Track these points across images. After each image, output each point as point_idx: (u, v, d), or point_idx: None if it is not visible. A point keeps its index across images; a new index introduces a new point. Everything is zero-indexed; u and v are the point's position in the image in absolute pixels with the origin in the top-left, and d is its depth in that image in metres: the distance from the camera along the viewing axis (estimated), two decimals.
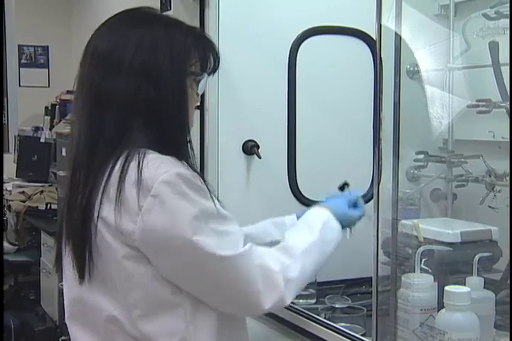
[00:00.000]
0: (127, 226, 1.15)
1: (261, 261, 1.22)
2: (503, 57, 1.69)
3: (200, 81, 1.31)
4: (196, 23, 1.98)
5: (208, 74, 1.33)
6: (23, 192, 4.36)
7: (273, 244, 1.37)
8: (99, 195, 1.17)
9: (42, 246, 3.96)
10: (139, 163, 1.16)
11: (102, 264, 1.20)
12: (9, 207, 4.18)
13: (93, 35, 1.29)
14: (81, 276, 1.22)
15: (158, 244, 1.16)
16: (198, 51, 1.29)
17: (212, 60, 1.32)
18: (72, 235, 1.22)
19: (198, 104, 1.38)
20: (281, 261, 1.26)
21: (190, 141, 1.28)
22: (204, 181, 1.22)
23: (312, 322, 1.54)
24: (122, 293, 1.20)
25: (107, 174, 1.17)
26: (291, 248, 1.31)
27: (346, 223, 1.47)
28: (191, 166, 1.23)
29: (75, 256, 1.22)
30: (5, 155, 4.22)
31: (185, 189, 1.16)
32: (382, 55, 1.37)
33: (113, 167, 1.18)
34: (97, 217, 1.17)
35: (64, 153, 3.64)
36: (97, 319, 1.23)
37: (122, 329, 1.21)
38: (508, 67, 1.59)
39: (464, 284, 1.36)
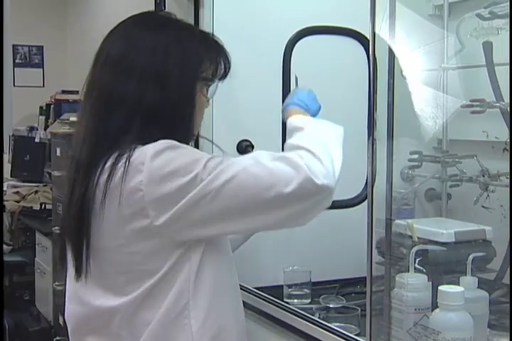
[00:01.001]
0: (132, 210, 1.17)
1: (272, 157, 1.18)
2: (497, 57, 1.70)
3: (210, 86, 1.33)
4: (191, 23, 1.98)
5: (219, 80, 1.35)
6: (17, 192, 4.35)
7: None
8: (93, 189, 1.19)
9: (36, 247, 3.95)
10: (129, 152, 1.18)
11: (104, 259, 1.22)
12: (3, 207, 4.17)
13: (106, 38, 1.31)
14: (78, 272, 1.24)
15: (181, 209, 1.15)
16: (210, 57, 1.31)
17: (223, 66, 1.34)
18: (71, 232, 1.24)
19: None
20: (288, 153, 1.20)
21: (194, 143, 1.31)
22: None
23: (306, 322, 1.54)
24: (128, 284, 1.22)
25: (99, 169, 1.19)
26: (289, 143, 1.26)
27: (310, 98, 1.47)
28: None
29: (73, 252, 1.25)
30: None
31: (176, 151, 1.18)
32: (376, 55, 1.38)
33: (106, 162, 1.20)
34: (91, 209, 1.19)
35: (59, 153, 3.63)
36: (99, 316, 1.25)
37: (126, 321, 1.23)
38: (506, 67, 1.59)
39: (458, 284, 1.36)
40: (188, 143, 1.29)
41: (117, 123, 1.22)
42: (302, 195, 1.14)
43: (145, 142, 1.20)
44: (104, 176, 1.18)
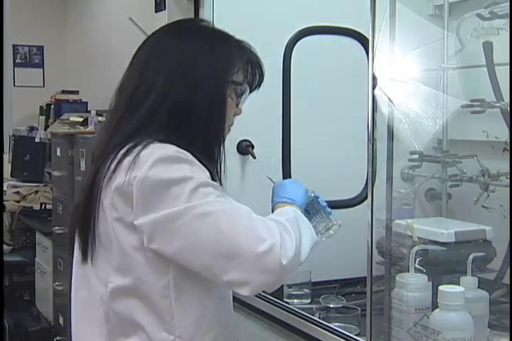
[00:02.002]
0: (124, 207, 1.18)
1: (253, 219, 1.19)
2: (497, 57, 1.70)
3: (243, 93, 1.33)
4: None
5: (252, 90, 1.36)
6: (17, 192, 4.35)
7: None
8: (103, 174, 1.20)
9: (37, 247, 3.96)
10: (142, 146, 1.19)
11: (100, 245, 1.23)
12: (4, 207, 4.18)
13: (139, 46, 1.33)
14: (84, 255, 1.26)
15: (158, 220, 1.15)
16: (242, 62, 1.32)
17: (257, 76, 1.35)
18: (78, 218, 1.26)
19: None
20: (270, 221, 1.21)
21: (222, 147, 1.32)
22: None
23: (307, 322, 1.54)
24: (111, 274, 1.22)
25: (112, 156, 1.21)
26: (270, 217, 1.26)
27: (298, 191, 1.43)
28: (210, 173, 1.23)
29: (79, 235, 1.26)
30: None
31: (180, 164, 1.17)
32: (376, 55, 1.37)
33: (119, 151, 1.21)
34: (99, 191, 1.20)
35: (59, 153, 3.64)
36: (95, 302, 1.25)
37: (112, 313, 1.23)
38: (506, 67, 1.60)
39: (458, 284, 1.36)
40: (210, 146, 1.29)
41: (139, 116, 1.24)
42: (263, 259, 1.13)
43: (164, 139, 1.21)
44: (115, 163, 1.20)
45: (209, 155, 1.27)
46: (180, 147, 1.20)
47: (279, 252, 1.13)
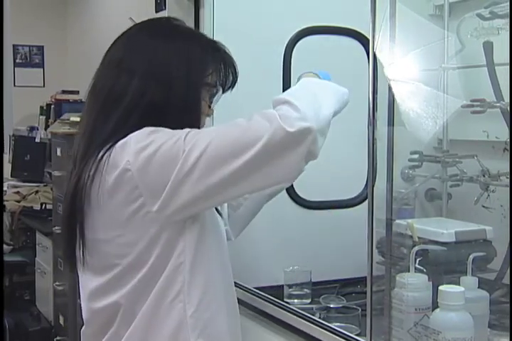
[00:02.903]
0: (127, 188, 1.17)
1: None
2: (497, 57, 1.70)
3: (215, 93, 1.33)
4: (191, 23, 1.98)
5: (225, 90, 1.35)
6: (17, 192, 4.35)
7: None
8: (85, 180, 1.20)
9: (37, 246, 3.95)
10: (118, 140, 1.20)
11: (101, 251, 1.23)
12: (4, 207, 4.18)
13: (112, 44, 1.33)
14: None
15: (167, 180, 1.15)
16: (216, 63, 1.31)
17: (230, 76, 1.34)
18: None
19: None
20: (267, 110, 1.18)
21: None
22: None
23: (307, 322, 1.54)
24: (124, 275, 1.22)
25: (93, 159, 1.21)
26: (275, 98, 1.22)
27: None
28: None
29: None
30: None
31: (159, 132, 1.18)
32: (376, 55, 1.37)
33: (98, 153, 1.21)
34: (83, 199, 1.20)
35: (59, 153, 3.64)
36: (103, 312, 1.26)
37: (128, 312, 1.23)
38: (506, 67, 1.60)
39: (459, 284, 1.36)
40: None
41: (115, 119, 1.23)
42: (276, 144, 1.11)
43: None
44: (95, 166, 1.20)
45: None
46: None
47: (283, 127, 1.10)
